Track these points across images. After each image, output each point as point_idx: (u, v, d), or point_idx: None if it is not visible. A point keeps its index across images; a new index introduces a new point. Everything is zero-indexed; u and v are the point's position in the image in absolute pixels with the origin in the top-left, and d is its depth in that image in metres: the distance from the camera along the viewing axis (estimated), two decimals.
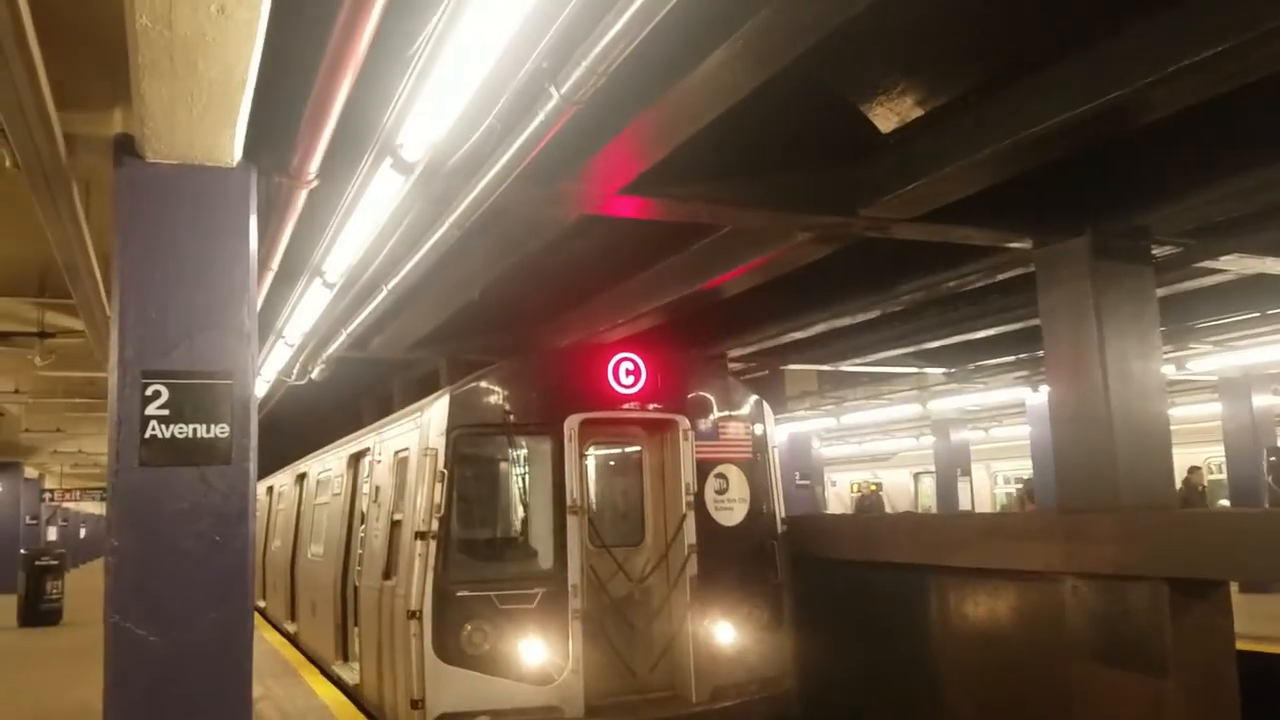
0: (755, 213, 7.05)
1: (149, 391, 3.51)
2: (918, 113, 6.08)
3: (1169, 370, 12.02)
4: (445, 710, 6.58)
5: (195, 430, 3.53)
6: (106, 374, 3.84)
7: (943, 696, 7.46)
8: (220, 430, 3.56)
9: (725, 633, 7.29)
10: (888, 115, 6.21)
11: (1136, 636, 5.97)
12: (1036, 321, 7.89)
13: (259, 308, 7.36)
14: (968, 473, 20.05)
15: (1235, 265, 8.27)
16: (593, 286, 10.76)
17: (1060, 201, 7.24)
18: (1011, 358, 13.45)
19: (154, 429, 3.48)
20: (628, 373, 7.45)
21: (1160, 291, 8.14)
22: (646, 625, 7.26)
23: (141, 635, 3.35)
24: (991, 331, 11.46)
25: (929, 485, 23.02)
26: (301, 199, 4.90)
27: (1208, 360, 12.13)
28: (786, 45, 4.63)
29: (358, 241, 5.66)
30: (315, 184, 4.66)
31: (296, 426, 19.25)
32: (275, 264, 6.00)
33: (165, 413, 3.50)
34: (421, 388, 13.20)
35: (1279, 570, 7.23)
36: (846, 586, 8.25)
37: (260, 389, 11.80)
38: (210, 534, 3.48)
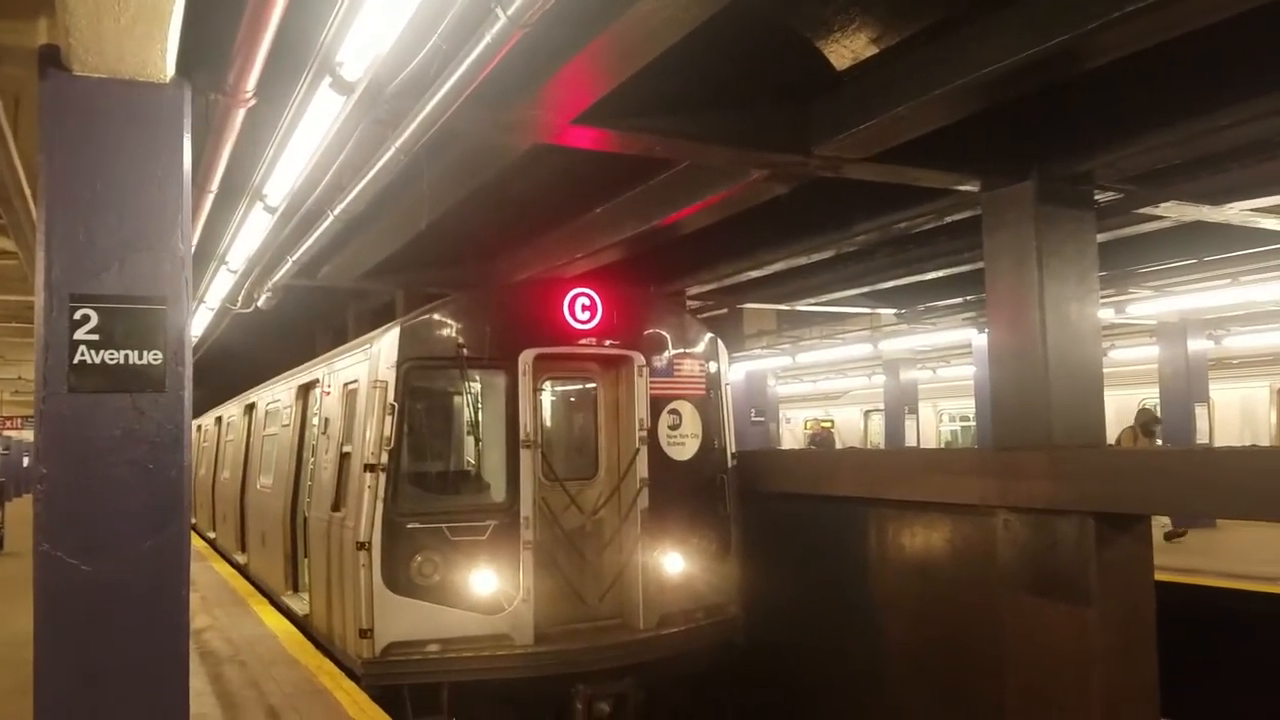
0: (710, 148, 7.00)
1: (78, 315, 3.38)
2: (872, 51, 6.04)
3: (1109, 314, 12.33)
4: (393, 640, 6.68)
5: (127, 356, 3.42)
6: None
7: (880, 622, 7.75)
8: (153, 357, 3.45)
9: (674, 563, 7.46)
10: (842, 52, 6.16)
11: (1063, 568, 6.23)
12: (983, 264, 8.01)
13: (199, 231, 7.25)
14: (915, 411, 20.51)
15: (1174, 212, 8.43)
16: (550, 220, 10.64)
17: (1008, 146, 7.30)
18: (959, 299, 13.67)
19: (83, 354, 3.36)
20: (584, 308, 7.45)
21: (1102, 237, 8.29)
22: (597, 556, 7.40)
23: (73, 564, 3.28)
24: (940, 273, 11.62)
25: (878, 423, 23.50)
26: (239, 118, 4.75)
27: (1146, 305, 12.43)
28: None
29: (299, 164, 5.52)
30: (253, 103, 4.51)
31: (249, 356, 18.95)
32: (214, 185, 5.83)
33: (95, 338, 3.38)
34: (377, 319, 13.04)
35: (1197, 506, 7.61)
36: (793, 518, 8.47)
37: (204, 317, 11.57)
38: (144, 462, 3.39)
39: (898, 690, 7.59)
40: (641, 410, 7.50)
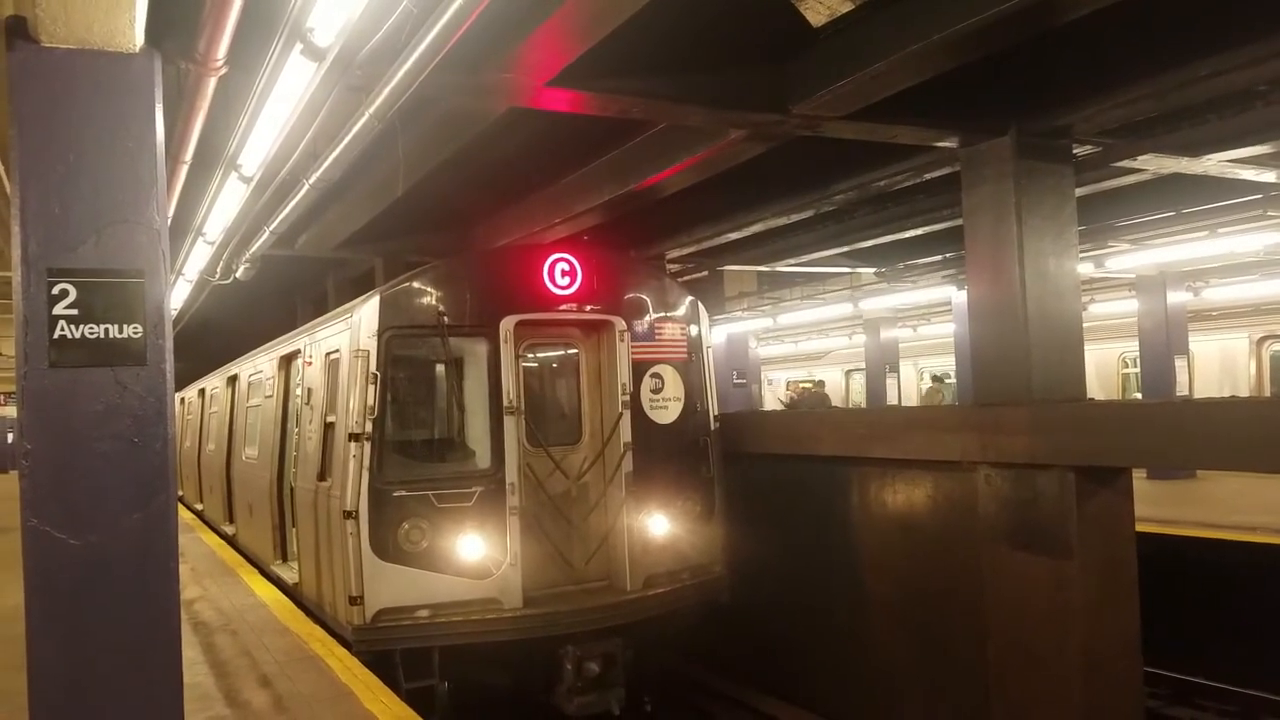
0: (687, 109, 6.95)
1: (56, 290, 3.36)
2: (848, 7, 5.98)
3: (1088, 268, 12.39)
4: (383, 606, 6.74)
5: (107, 330, 3.40)
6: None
7: (863, 578, 7.88)
8: (133, 330, 3.44)
9: (659, 525, 7.54)
10: (818, 9, 6.09)
11: (1045, 521, 6.32)
12: (961, 221, 8.03)
13: (174, 203, 7.16)
14: (896, 369, 20.63)
15: (1153, 164, 8.46)
16: (528, 185, 10.58)
17: (986, 101, 7.28)
18: (938, 257, 13.70)
19: (63, 329, 3.34)
20: (564, 274, 7.44)
21: (1081, 191, 8.32)
22: (583, 520, 7.46)
23: (61, 539, 3.29)
24: (919, 231, 11.63)
25: (860, 382, 23.65)
26: (211, 87, 4.68)
27: (1125, 258, 12.50)
28: None
29: (273, 133, 5.46)
30: (224, 71, 4.45)
31: (229, 328, 18.82)
32: (188, 156, 5.76)
33: (74, 312, 3.36)
34: (357, 288, 12.98)
35: (1176, 458, 7.73)
36: (776, 478, 8.56)
37: (183, 289, 11.49)
38: (128, 435, 3.39)
39: (881, 645, 7.74)
40: (624, 375, 7.53)
